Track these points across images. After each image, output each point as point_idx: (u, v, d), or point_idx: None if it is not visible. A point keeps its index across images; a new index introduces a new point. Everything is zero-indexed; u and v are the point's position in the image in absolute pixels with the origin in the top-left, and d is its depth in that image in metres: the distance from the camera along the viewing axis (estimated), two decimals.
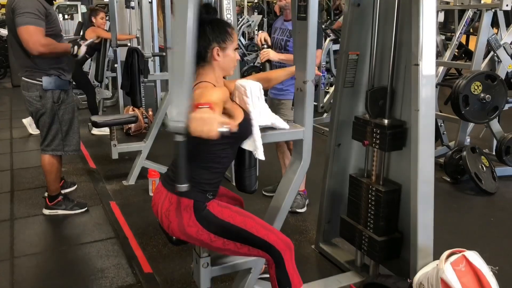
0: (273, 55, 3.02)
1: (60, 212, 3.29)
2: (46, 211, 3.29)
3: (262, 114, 1.90)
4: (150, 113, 5.66)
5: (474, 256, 1.96)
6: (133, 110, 5.44)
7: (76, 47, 2.95)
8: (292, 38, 3.08)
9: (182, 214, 1.78)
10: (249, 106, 1.83)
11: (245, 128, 1.82)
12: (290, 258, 1.87)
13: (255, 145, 1.89)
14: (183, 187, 1.50)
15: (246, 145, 1.89)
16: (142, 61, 3.66)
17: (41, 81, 2.86)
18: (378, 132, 2.21)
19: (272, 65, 3.09)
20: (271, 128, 1.98)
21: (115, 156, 3.85)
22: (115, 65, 4.29)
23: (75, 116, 3.10)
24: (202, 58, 1.78)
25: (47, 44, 2.73)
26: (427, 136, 2.04)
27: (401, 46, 2.15)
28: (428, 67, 1.97)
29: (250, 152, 1.95)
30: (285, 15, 3.26)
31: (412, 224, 2.11)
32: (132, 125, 5.39)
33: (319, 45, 2.58)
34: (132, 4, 4.56)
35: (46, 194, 3.36)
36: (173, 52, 1.36)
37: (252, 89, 1.86)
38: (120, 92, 4.59)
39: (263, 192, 3.64)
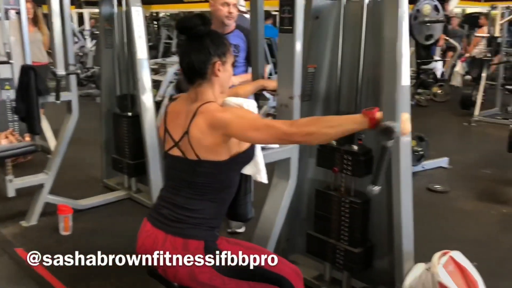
0: (234, 79, 2.59)
1: None
2: None
3: None
4: (28, 138, 4.92)
5: (459, 256, 2.07)
6: (6, 137, 4.68)
7: None
8: (240, 53, 2.89)
9: None
10: None
11: (252, 150, 1.66)
12: (302, 286, 1.74)
13: (257, 168, 1.74)
14: (377, 189, 1.51)
15: (246, 169, 1.72)
16: (41, 80, 3.14)
17: None
18: (350, 159, 2.22)
19: None
20: (262, 148, 1.84)
21: (11, 193, 3.22)
22: None
23: None
24: (199, 75, 1.57)
25: None
26: (406, 147, 2.09)
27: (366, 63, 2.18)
28: (405, 79, 2.02)
29: (246, 177, 1.79)
30: (223, 30, 2.90)
31: (396, 231, 2.14)
32: None
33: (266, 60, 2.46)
34: None
35: None
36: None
37: (250, 108, 1.70)
38: None
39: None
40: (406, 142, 2.07)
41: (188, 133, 1.53)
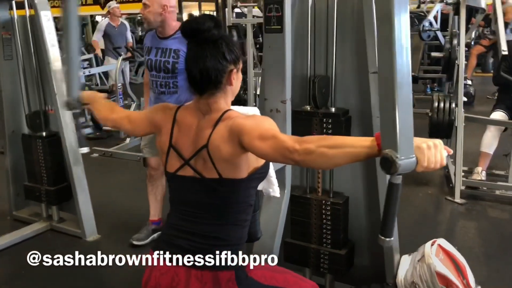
0: None
1: None
2: None
3: None
4: None
5: (445, 243, 2.12)
6: None
7: None
8: (180, 59, 2.63)
9: None
10: None
11: (268, 164, 1.50)
12: None
13: (269, 182, 1.59)
14: (391, 241, 1.08)
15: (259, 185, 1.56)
16: None
17: None
18: (330, 121, 2.12)
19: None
20: None
21: None
22: None
23: None
24: (213, 85, 1.37)
25: None
26: None
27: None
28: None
29: (256, 192, 1.63)
30: (159, 32, 2.76)
31: None
32: None
33: None
34: None
35: None
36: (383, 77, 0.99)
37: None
38: None
39: (132, 242, 3.04)
40: None
41: (207, 146, 1.33)
